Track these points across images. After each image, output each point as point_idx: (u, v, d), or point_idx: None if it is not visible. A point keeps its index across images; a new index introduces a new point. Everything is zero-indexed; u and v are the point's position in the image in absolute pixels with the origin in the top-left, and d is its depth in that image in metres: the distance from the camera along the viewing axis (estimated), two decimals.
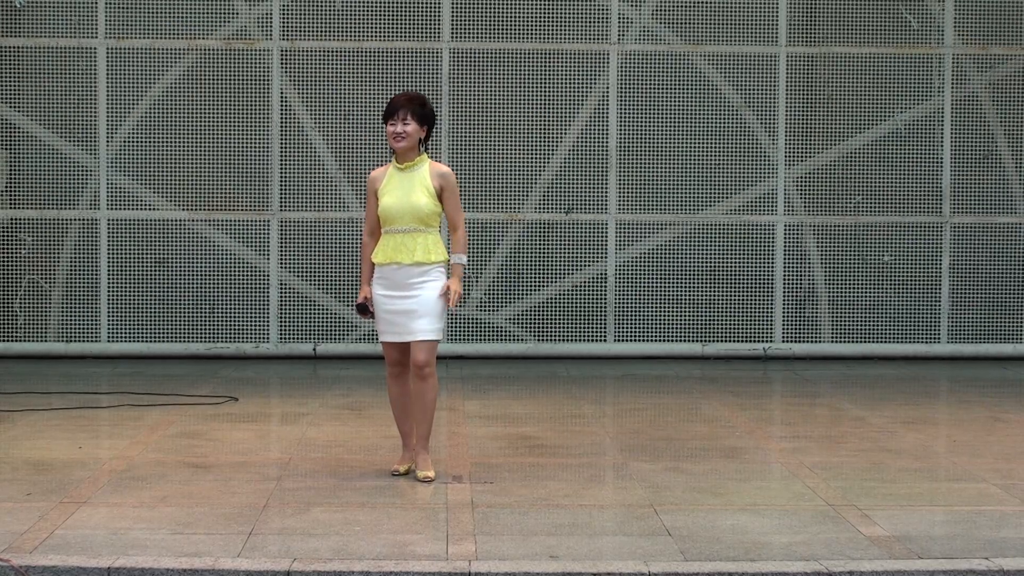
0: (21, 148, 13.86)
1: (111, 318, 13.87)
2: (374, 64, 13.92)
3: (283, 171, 13.92)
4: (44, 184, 13.86)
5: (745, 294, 14.25)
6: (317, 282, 13.97)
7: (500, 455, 9.07)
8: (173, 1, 13.86)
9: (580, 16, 14.08)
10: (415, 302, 8.15)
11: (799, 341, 14.30)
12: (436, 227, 8.23)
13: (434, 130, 8.45)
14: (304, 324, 14.00)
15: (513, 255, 14.16)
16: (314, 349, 13.99)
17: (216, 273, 13.95)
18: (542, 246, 14.17)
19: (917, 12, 14.17)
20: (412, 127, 8.16)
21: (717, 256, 14.22)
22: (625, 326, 14.16)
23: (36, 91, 13.83)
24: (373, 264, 8.31)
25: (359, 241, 13.65)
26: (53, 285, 13.87)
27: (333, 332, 14.03)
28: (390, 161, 8.34)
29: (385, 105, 8.26)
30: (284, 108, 13.90)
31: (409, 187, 8.18)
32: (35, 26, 13.82)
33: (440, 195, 8.21)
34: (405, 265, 8.15)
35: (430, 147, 8.33)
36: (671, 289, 14.19)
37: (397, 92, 8.91)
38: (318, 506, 7.56)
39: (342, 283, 13.94)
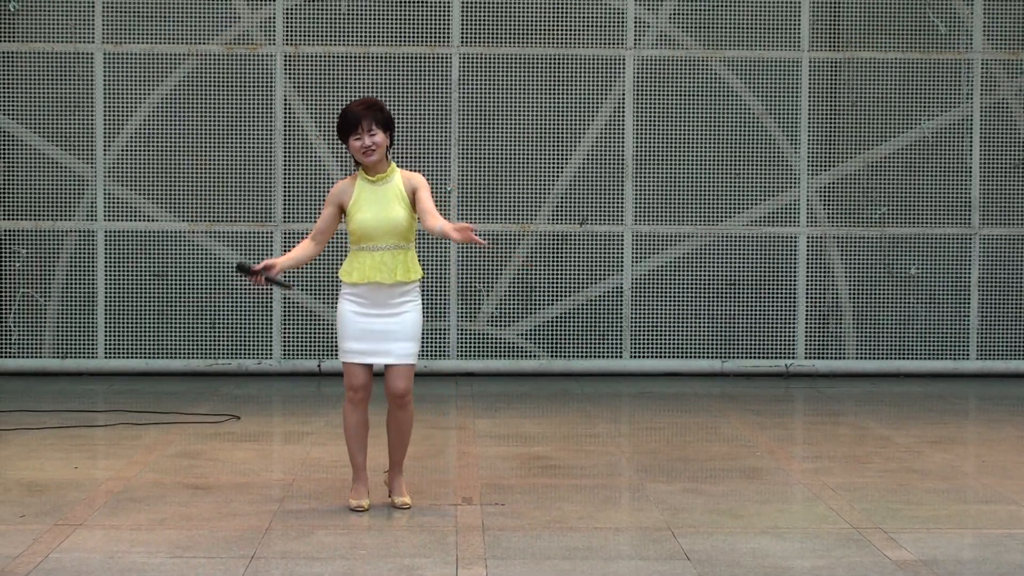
0: (15, 157, 13.80)
1: (108, 333, 13.81)
2: (381, 70, 13.84)
3: (287, 181, 13.87)
4: (39, 194, 13.80)
5: (766, 309, 14.16)
6: (322, 296, 13.85)
7: (512, 476, 9.06)
8: (173, 5, 13.81)
9: (595, 20, 13.99)
10: (396, 322, 7.96)
11: (822, 358, 14.19)
12: (413, 242, 8.02)
13: (395, 135, 8.27)
14: (308, 340, 13.93)
15: (525, 268, 14.02)
16: (319, 366, 13.92)
17: (217, 287, 13.88)
18: (555, 258, 14.08)
19: (945, 16, 14.06)
20: (379, 137, 7.94)
21: (737, 269, 14.12)
22: (641, 342, 14.07)
23: (30, 98, 13.76)
24: (295, 258, 8.11)
25: None
26: (48, 299, 13.81)
27: (338, 348, 13.89)
28: (354, 172, 8.09)
29: (340, 116, 8.08)
30: (288, 116, 13.83)
31: (385, 201, 7.93)
32: (29, 30, 13.75)
33: (413, 197, 7.93)
34: (386, 286, 7.93)
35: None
36: (689, 303, 14.10)
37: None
38: (322, 529, 7.57)
39: None
